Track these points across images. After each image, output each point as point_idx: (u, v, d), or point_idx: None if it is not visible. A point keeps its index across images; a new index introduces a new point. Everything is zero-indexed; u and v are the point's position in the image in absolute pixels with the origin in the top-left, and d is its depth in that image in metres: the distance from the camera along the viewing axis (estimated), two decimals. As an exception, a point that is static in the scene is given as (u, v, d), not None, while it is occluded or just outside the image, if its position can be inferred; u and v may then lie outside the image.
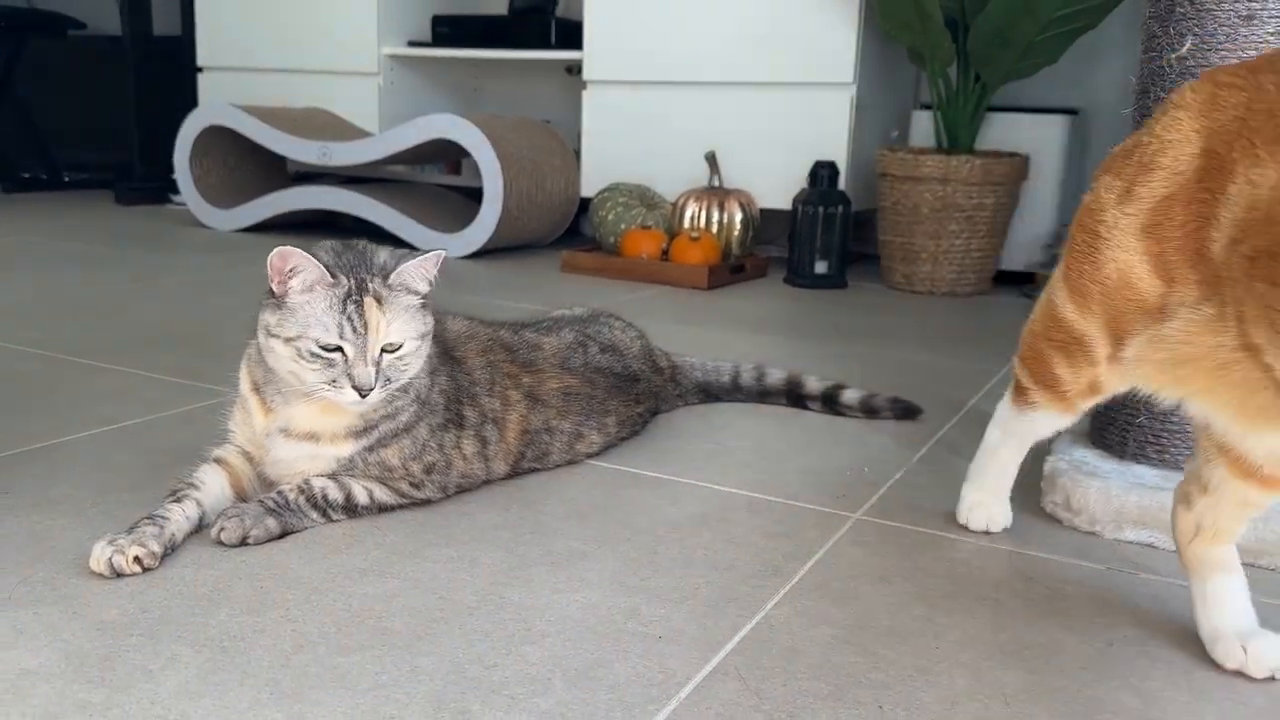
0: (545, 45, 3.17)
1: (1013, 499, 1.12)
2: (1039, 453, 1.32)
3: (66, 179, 4.19)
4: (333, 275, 1.01)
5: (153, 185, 3.81)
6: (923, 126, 2.82)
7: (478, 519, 1.10)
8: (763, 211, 2.82)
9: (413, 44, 3.37)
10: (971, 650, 0.87)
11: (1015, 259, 2.73)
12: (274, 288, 1.02)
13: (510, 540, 1.05)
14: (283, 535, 1.03)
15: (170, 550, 0.98)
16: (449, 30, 3.29)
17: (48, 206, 3.62)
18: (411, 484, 1.10)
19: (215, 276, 2.47)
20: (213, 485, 1.06)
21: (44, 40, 4.27)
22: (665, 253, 2.66)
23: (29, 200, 3.79)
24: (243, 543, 1.00)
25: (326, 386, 1.01)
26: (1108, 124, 2.88)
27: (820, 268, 2.64)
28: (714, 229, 2.69)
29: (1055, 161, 2.68)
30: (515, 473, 1.21)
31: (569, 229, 3.20)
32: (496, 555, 1.01)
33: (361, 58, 3.34)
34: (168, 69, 3.94)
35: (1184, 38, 1.09)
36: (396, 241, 2.90)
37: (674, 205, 2.76)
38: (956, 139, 2.59)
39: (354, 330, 1.00)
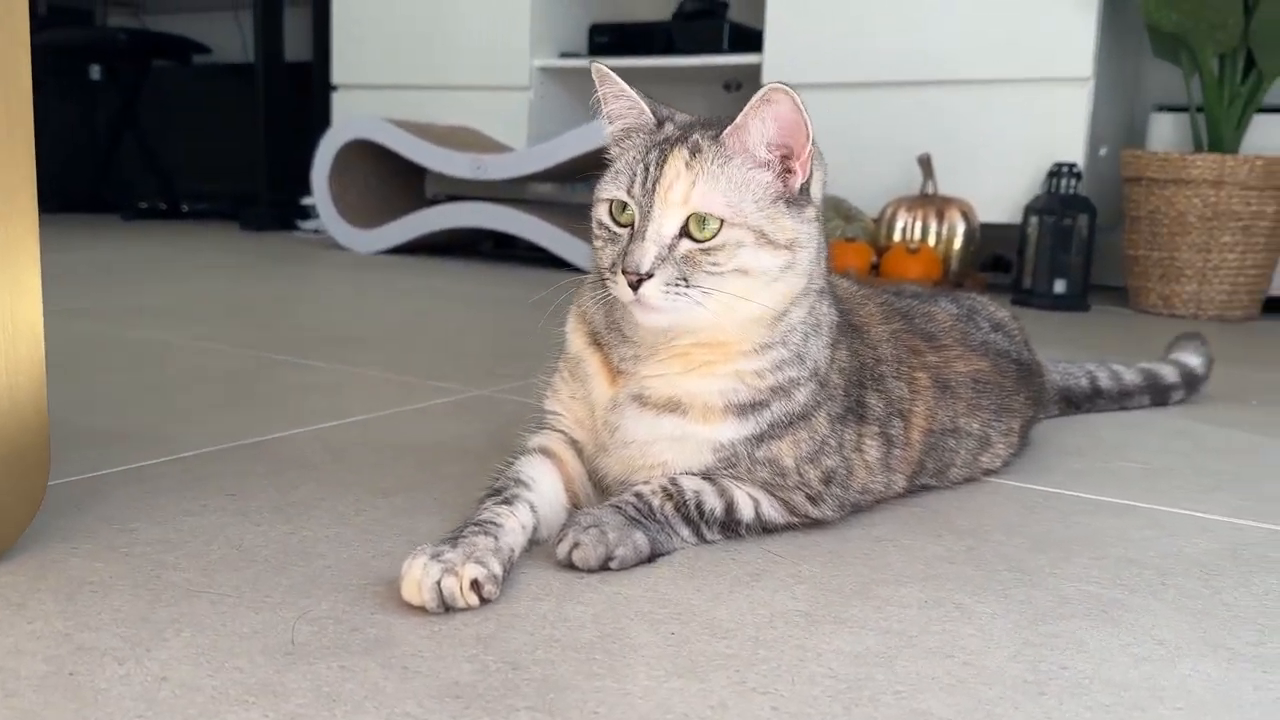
0: (716, 50, 2.89)
1: None
2: None
3: (185, 209, 4.01)
4: (658, 121, 0.73)
5: (279, 212, 3.59)
6: (1162, 131, 2.46)
7: (906, 546, 0.75)
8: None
9: (565, 55, 3.13)
10: None
11: (1284, 281, 2.33)
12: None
13: (985, 580, 0.70)
14: (652, 558, 0.69)
15: (507, 571, 0.64)
16: (608, 39, 3.03)
17: (171, 233, 3.41)
18: (808, 496, 0.76)
19: (372, 289, 2.19)
20: (545, 484, 0.73)
21: (166, 66, 4.13)
22: (874, 267, 2.32)
23: (149, 227, 3.59)
24: (604, 566, 0.67)
25: (607, 273, 0.70)
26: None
27: (1058, 287, 2.27)
28: (930, 241, 2.34)
29: (1330, 169, 2.29)
30: (909, 490, 0.87)
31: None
32: (990, 602, 0.66)
33: (512, 71, 3.09)
34: (296, 95, 3.76)
35: None
36: (556, 264, 2.61)
37: (880, 215, 2.42)
38: (1220, 142, 2.22)
39: (643, 184, 0.69)
